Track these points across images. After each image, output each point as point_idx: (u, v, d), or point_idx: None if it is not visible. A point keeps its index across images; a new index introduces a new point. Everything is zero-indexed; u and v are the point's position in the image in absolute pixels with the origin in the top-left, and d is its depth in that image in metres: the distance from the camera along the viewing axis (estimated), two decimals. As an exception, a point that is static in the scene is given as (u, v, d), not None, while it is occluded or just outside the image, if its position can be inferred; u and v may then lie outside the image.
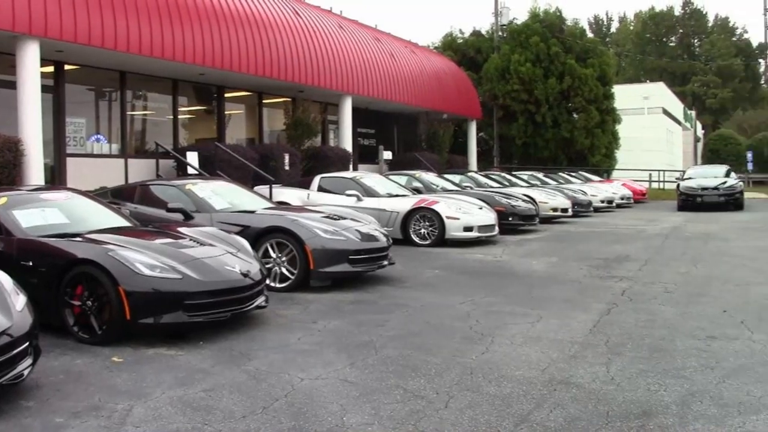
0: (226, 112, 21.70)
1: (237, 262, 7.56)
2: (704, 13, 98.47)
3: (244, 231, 9.61)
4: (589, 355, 6.38)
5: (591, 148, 39.43)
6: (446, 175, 21.95)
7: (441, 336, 7.10)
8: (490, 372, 5.85)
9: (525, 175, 27.56)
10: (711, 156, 63.58)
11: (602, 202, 26.99)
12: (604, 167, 40.02)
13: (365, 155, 28.16)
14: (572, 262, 12.54)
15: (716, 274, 11.15)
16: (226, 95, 21.58)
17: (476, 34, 44.61)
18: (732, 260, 12.75)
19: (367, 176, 16.90)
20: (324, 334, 7.20)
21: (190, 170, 16.81)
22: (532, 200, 19.54)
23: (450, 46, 42.52)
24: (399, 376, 5.73)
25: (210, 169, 17.21)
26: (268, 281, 8.72)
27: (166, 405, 5.10)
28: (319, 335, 7.14)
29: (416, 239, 14.81)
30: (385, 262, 10.53)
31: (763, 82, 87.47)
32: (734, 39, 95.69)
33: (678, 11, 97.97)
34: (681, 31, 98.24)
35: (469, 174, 23.96)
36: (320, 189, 15.88)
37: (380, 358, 6.27)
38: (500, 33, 41.89)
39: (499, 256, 13.36)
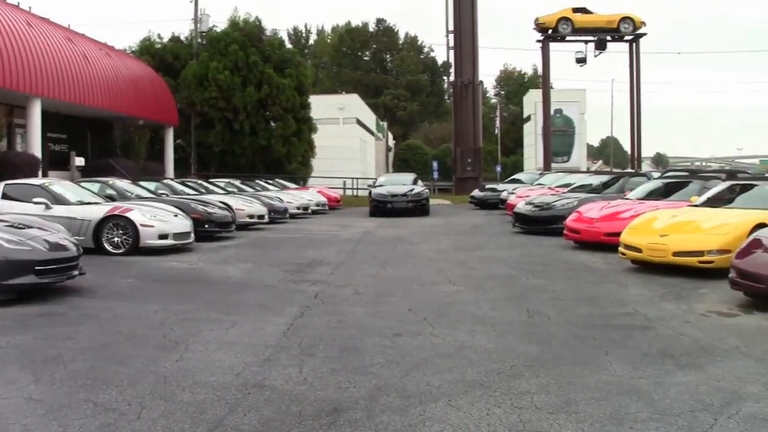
0: None
1: None
2: (396, 30, 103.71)
3: None
4: (283, 357, 6.49)
5: (288, 155, 40.23)
6: (141, 183, 21.35)
7: (134, 346, 6.91)
8: (184, 379, 5.78)
9: (222, 182, 27.50)
10: (401, 165, 67.15)
11: (298, 208, 27.55)
12: (300, 175, 40.96)
13: (56, 161, 26.79)
14: (267, 267, 12.69)
15: (403, 275, 11.79)
16: None
17: (175, 39, 43.91)
18: (417, 262, 13.56)
19: (57, 183, 16.08)
20: (7, 350, 6.74)
21: None
22: (229, 207, 19.54)
23: (148, 51, 41.50)
24: (89, 390, 5.50)
25: None
26: (-59, 295, 8.01)
27: None
28: (1, 352, 6.68)
29: (109, 248, 14.29)
30: (76, 273, 10.05)
31: (446, 97, 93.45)
32: (422, 56, 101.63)
33: (372, 27, 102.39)
34: (375, 46, 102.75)
35: (166, 181, 23.49)
36: (5, 196, 14.84)
37: (69, 373, 5.98)
38: (200, 40, 41.54)
39: (195, 264, 13.24)
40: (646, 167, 61.77)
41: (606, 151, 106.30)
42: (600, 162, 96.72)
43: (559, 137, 61.34)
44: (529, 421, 4.85)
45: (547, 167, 45.38)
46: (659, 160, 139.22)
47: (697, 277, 10.92)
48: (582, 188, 21.49)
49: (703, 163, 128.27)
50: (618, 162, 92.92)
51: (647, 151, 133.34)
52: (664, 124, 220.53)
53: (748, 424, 4.81)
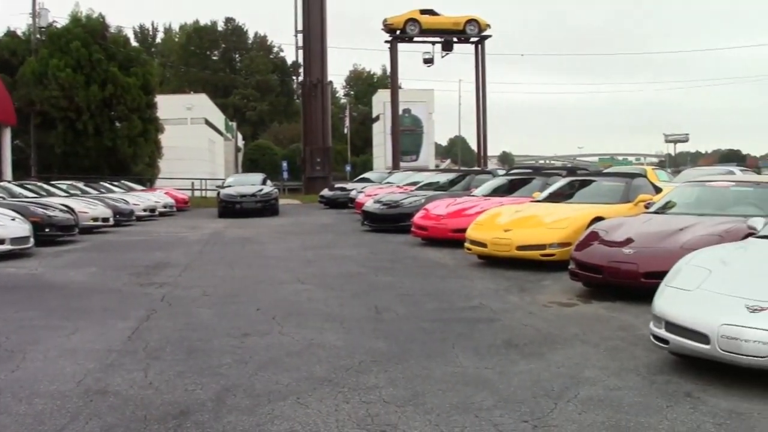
0: None
1: None
2: (245, 30, 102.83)
3: None
4: (128, 362, 6.30)
5: (134, 157, 39.24)
6: (-25, 186, 20.33)
7: (-35, 358, 6.55)
8: (21, 390, 5.51)
9: (64, 184, 26.47)
10: (250, 165, 66.42)
11: (145, 210, 26.87)
12: (147, 176, 40.00)
13: None
14: (112, 271, 12.31)
15: (252, 275, 11.70)
16: None
17: (11, 34, 41.91)
18: (266, 262, 13.49)
19: None
20: None
21: None
22: (71, 210, 18.80)
23: (-20, 46, 39.50)
24: None
25: None
26: None
27: None
28: None
29: (-60, 255, 13.53)
30: None
31: (296, 97, 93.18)
32: (272, 56, 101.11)
33: (221, 27, 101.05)
34: (224, 45, 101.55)
35: (2, 184, 22.43)
36: None
37: None
38: (38, 35, 39.85)
39: (35, 269, 12.67)
40: (492, 165, 63.46)
41: (454, 150, 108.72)
42: (448, 161, 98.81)
43: (407, 136, 62.26)
44: (377, 414, 4.90)
45: (396, 166, 46.03)
46: (505, 159, 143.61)
47: (539, 270, 11.32)
48: (429, 186, 21.90)
49: (547, 161, 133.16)
50: (466, 161, 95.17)
51: (494, 150, 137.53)
52: (510, 124, 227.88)
53: (585, 406, 5.03)
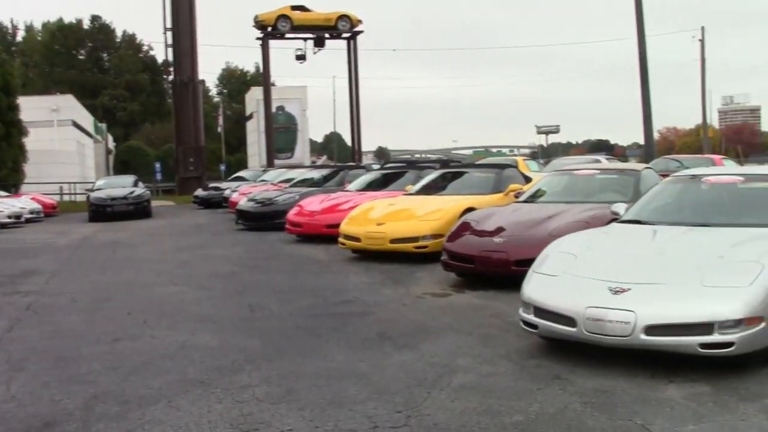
0: None
1: None
2: (112, 28, 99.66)
3: None
4: (-11, 375, 6.05)
5: (-3, 161, 37.66)
6: None
7: None
8: None
9: None
10: (122, 167, 64.66)
11: (9, 217, 25.72)
12: (11, 182, 38.46)
13: None
14: (-27, 281, 11.79)
15: (123, 279, 11.40)
16: None
17: None
18: (138, 265, 13.17)
19: None
20: None
21: None
22: (-72, 219, 17.93)
23: None
24: None
25: None
26: None
27: None
28: None
29: None
30: None
31: (168, 97, 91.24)
32: (141, 55, 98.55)
33: (87, 24, 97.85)
34: (90, 44, 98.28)
35: None
36: None
37: None
38: None
39: None
40: (368, 161, 63.76)
41: (330, 146, 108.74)
42: (324, 157, 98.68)
43: (282, 134, 61.73)
44: (250, 413, 4.85)
45: (270, 164, 45.72)
46: (381, 154, 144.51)
47: (413, 263, 11.44)
48: (304, 183, 21.84)
49: (422, 155, 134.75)
50: (342, 157, 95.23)
51: (370, 145, 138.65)
52: (386, 119, 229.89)
53: (458, 393, 5.13)
